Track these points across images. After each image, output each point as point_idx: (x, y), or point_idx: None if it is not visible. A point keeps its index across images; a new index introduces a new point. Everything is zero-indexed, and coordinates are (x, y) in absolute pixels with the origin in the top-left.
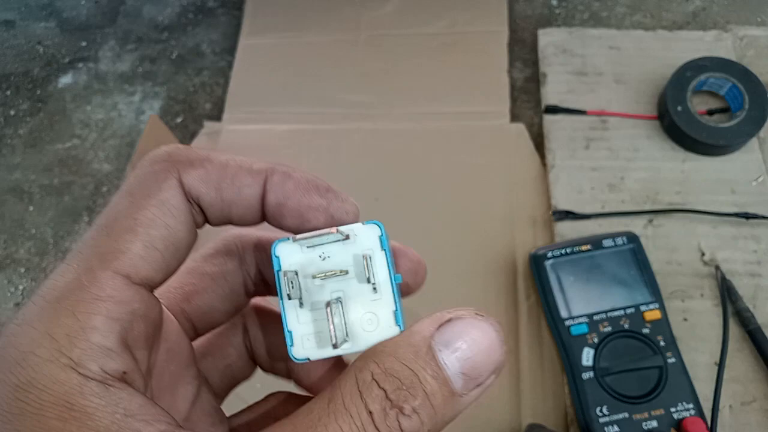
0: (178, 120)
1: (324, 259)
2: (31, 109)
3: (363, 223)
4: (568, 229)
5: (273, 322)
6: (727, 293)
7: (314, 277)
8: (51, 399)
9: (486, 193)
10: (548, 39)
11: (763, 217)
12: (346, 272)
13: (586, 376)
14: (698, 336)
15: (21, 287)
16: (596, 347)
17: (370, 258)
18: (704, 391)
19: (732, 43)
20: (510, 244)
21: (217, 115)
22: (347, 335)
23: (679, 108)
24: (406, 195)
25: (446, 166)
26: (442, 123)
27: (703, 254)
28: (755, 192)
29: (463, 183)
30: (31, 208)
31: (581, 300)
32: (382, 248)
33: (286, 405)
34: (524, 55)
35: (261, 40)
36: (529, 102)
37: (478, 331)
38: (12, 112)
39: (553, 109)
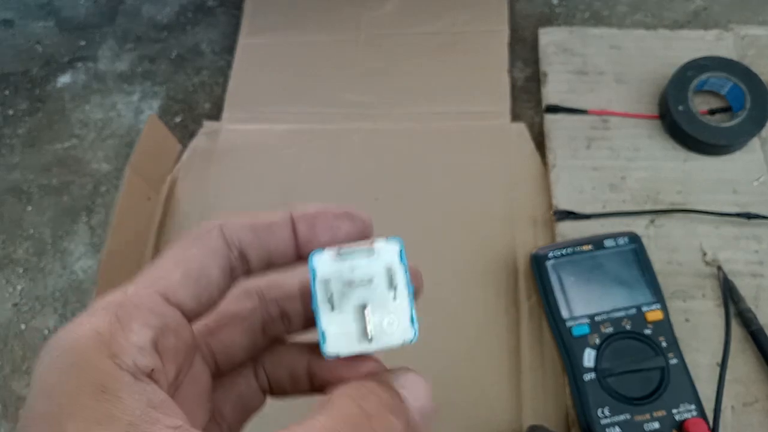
0: (177, 119)
1: (353, 270)
2: (29, 108)
3: (386, 240)
4: (569, 229)
5: (289, 352)
6: (729, 294)
7: (345, 283)
8: (89, 381)
9: (486, 193)
10: (549, 38)
11: (765, 217)
12: (371, 281)
13: (587, 377)
14: (700, 337)
15: (19, 287)
16: (598, 348)
17: (392, 270)
18: (706, 392)
19: (733, 42)
20: (511, 244)
21: (216, 115)
22: (372, 336)
23: (681, 107)
24: (405, 195)
25: (446, 166)
26: (442, 123)
27: (704, 254)
28: (757, 192)
29: (464, 183)
30: (29, 208)
31: (582, 300)
32: (401, 262)
33: None
34: (525, 54)
35: (260, 39)
36: (529, 101)
37: (420, 379)
38: (10, 112)
39: (554, 109)
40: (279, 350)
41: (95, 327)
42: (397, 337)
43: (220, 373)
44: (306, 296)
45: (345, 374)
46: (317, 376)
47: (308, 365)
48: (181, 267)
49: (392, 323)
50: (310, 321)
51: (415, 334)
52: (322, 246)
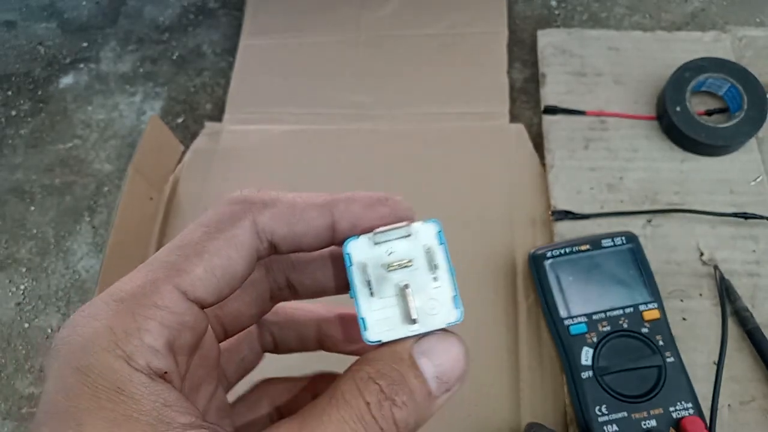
0: (179, 120)
1: (389, 253)
2: (32, 109)
3: (422, 222)
4: (567, 229)
5: (298, 315)
6: (725, 293)
7: (383, 267)
8: (105, 383)
9: (485, 194)
10: (547, 40)
11: (762, 217)
12: (411, 264)
13: (585, 375)
14: (697, 335)
15: (22, 287)
16: (595, 347)
17: (430, 249)
18: (703, 391)
19: (731, 43)
20: (509, 244)
21: (217, 116)
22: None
23: (678, 108)
24: (405, 195)
25: (446, 167)
26: (441, 123)
27: (701, 254)
28: (754, 192)
29: (462, 183)
30: (32, 208)
31: (580, 300)
32: (441, 243)
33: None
34: (523, 55)
35: (262, 40)
36: (528, 102)
37: (448, 343)
38: (13, 113)
39: (553, 110)
40: (288, 314)
41: (109, 324)
42: (440, 319)
43: (226, 338)
44: (314, 266)
45: (353, 342)
46: (329, 338)
47: (318, 328)
48: (204, 261)
49: (435, 305)
50: (317, 292)
51: (460, 314)
52: (358, 232)
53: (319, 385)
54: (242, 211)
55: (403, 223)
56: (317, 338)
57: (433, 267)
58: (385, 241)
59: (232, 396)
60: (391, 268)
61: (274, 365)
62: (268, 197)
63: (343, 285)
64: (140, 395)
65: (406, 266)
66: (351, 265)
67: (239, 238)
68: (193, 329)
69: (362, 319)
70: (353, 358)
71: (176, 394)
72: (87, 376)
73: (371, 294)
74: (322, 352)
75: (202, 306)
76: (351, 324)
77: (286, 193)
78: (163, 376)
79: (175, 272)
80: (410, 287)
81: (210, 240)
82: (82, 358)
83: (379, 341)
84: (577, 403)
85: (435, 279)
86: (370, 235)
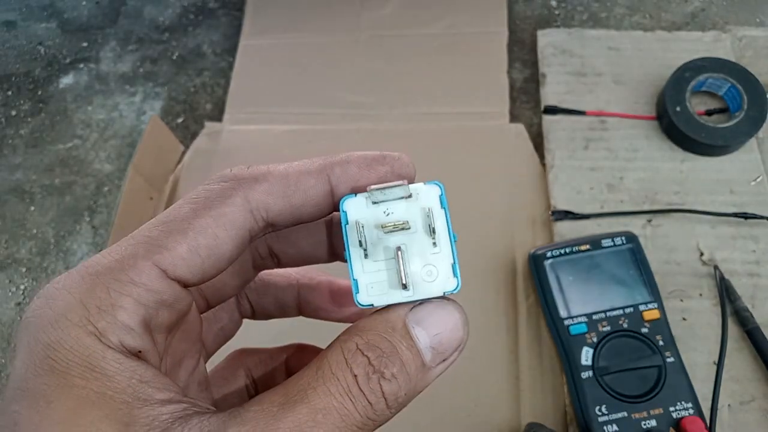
0: (179, 120)
1: (387, 214)
2: (32, 109)
3: (424, 183)
4: (567, 229)
5: (277, 283)
6: (725, 293)
7: (379, 228)
8: (75, 359)
9: (485, 193)
10: (547, 40)
11: (762, 217)
12: (409, 227)
13: (585, 375)
14: (697, 335)
15: (22, 287)
16: (595, 347)
17: (431, 211)
18: (703, 391)
19: (731, 43)
20: (509, 244)
21: (217, 116)
22: (408, 285)
23: (678, 108)
24: None
25: (446, 167)
26: (441, 123)
27: (701, 254)
28: (754, 192)
29: (463, 183)
30: (32, 208)
31: (580, 300)
32: (442, 206)
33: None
34: (523, 55)
35: (261, 40)
36: (528, 102)
37: (445, 312)
38: (13, 113)
39: (553, 110)
40: (266, 281)
41: (82, 298)
42: (437, 287)
43: (208, 309)
44: (297, 234)
45: (341, 305)
46: (309, 304)
47: (298, 294)
48: (188, 239)
49: (432, 271)
50: (301, 261)
51: (458, 284)
52: (356, 192)
53: (295, 357)
54: (232, 188)
55: (400, 182)
56: (296, 304)
57: (432, 231)
58: (384, 201)
59: (208, 367)
60: (388, 230)
61: (250, 335)
62: (259, 171)
63: (327, 254)
64: (114, 371)
65: (403, 228)
66: (347, 224)
67: (228, 216)
68: (172, 308)
69: (354, 281)
70: (333, 325)
71: (152, 370)
72: (57, 352)
73: (365, 255)
74: (300, 319)
75: (185, 285)
76: (335, 291)
77: (277, 164)
78: (137, 355)
79: (156, 248)
80: (404, 250)
81: (196, 217)
82: (52, 332)
83: (371, 305)
84: (577, 403)
85: (434, 244)
86: (367, 194)
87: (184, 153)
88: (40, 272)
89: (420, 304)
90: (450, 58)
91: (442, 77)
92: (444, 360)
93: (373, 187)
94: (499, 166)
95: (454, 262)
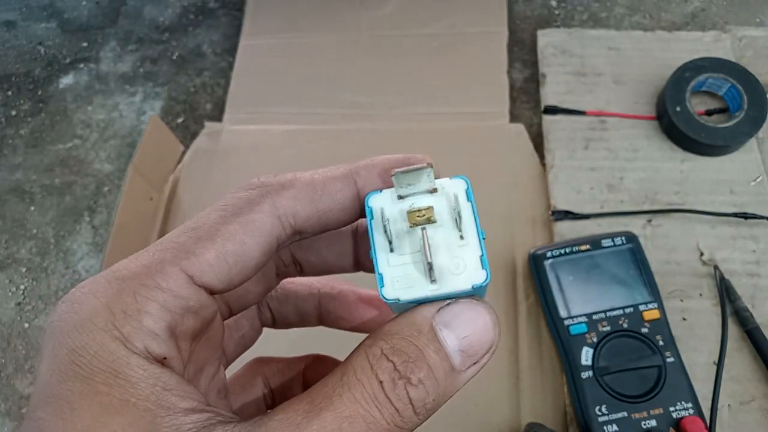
0: (179, 120)
1: (413, 208)
2: (32, 109)
3: (450, 178)
4: (567, 229)
5: (298, 291)
6: (725, 293)
7: (405, 220)
8: (100, 365)
9: (485, 193)
10: (547, 40)
11: (762, 217)
12: (435, 220)
13: (585, 375)
14: (697, 335)
15: (22, 287)
16: (595, 347)
17: (458, 203)
18: (703, 391)
19: (731, 43)
20: (509, 243)
21: (217, 116)
22: (435, 277)
23: (678, 108)
24: None
25: (446, 167)
26: (441, 123)
27: (701, 254)
28: (754, 192)
29: None
30: (32, 208)
31: (580, 300)
32: (468, 200)
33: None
34: (523, 55)
35: (261, 40)
36: (528, 102)
37: (474, 313)
38: (13, 113)
39: (553, 110)
40: (287, 290)
41: (108, 303)
42: (464, 280)
43: (230, 316)
44: (320, 243)
45: (363, 315)
46: (330, 314)
47: (319, 304)
48: (216, 245)
49: (459, 264)
50: (323, 270)
51: (487, 276)
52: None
53: (312, 367)
54: (260, 195)
55: (423, 165)
56: (317, 314)
57: (459, 225)
58: (409, 195)
59: (226, 374)
60: (414, 220)
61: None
62: (285, 179)
63: (351, 264)
64: (137, 379)
65: (429, 220)
66: (372, 219)
67: (256, 223)
68: (198, 315)
69: (380, 275)
70: (352, 336)
71: (176, 377)
72: (82, 357)
73: (391, 249)
74: (318, 329)
75: (211, 292)
76: (357, 300)
77: (303, 172)
78: (161, 362)
79: (183, 254)
80: (430, 243)
81: (225, 224)
82: (77, 337)
83: (397, 300)
84: (577, 403)
85: (461, 237)
86: (394, 180)
87: (184, 153)
88: (40, 272)
89: (447, 305)
90: (450, 58)
91: (442, 77)
92: (475, 363)
93: (397, 170)
94: (499, 166)
95: (483, 254)
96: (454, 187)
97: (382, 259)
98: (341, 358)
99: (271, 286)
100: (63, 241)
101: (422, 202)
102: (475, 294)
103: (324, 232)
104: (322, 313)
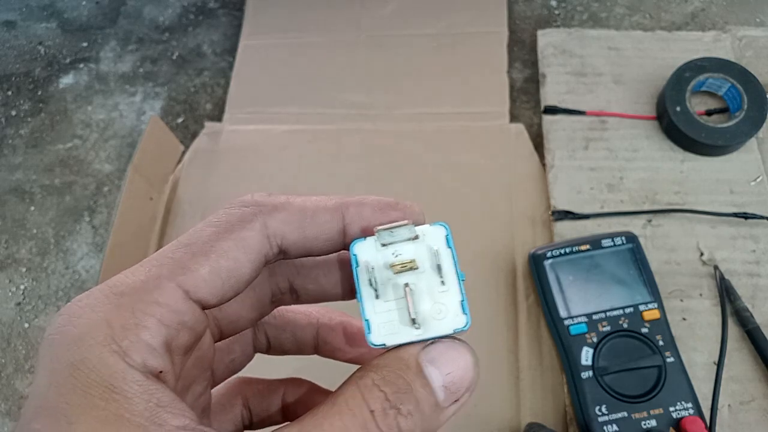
0: (179, 120)
1: (396, 256)
2: (32, 109)
3: (430, 225)
4: (567, 229)
5: (296, 319)
6: (725, 293)
7: (389, 269)
8: (98, 379)
9: (485, 193)
10: (547, 40)
11: (762, 217)
12: (417, 267)
13: (585, 375)
14: (697, 335)
15: (22, 287)
16: (595, 347)
17: (437, 252)
18: (703, 391)
19: (731, 43)
20: (509, 244)
21: (217, 116)
22: (419, 323)
23: (678, 108)
24: (405, 195)
25: (446, 166)
26: (441, 123)
27: (701, 254)
28: (754, 192)
29: (463, 183)
30: (32, 208)
31: (580, 300)
32: (448, 246)
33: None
34: (523, 55)
35: (261, 40)
36: (528, 102)
37: (456, 352)
38: (13, 113)
39: (553, 110)
40: (286, 318)
41: (107, 317)
42: (447, 325)
43: (221, 339)
44: (318, 270)
45: (360, 347)
46: (327, 344)
47: (317, 334)
48: (210, 261)
49: (441, 310)
50: (320, 297)
51: (467, 321)
52: (366, 235)
53: (291, 391)
54: (252, 213)
55: (404, 222)
56: (314, 343)
57: (440, 271)
58: (392, 243)
59: None
60: (397, 271)
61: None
62: (278, 201)
63: (346, 291)
64: (133, 394)
65: (412, 269)
66: (357, 266)
67: (248, 240)
68: (192, 330)
69: (366, 321)
70: (344, 366)
71: (171, 394)
72: (80, 371)
73: (376, 296)
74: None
75: (204, 307)
76: (353, 332)
77: (296, 196)
78: (158, 376)
79: (179, 270)
80: (412, 288)
81: (218, 240)
82: (75, 351)
83: (383, 345)
84: (577, 403)
85: (442, 283)
86: (376, 236)
87: (184, 153)
88: (40, 272)
89: (432, 343)
90: (450, 58)
91: (442, 77)
92: (456, 401)
93: (379, 227)
94: (499, 166)
95: (463, 299)
96: (434, 233)
97: (369, 305)
98: (321, 383)
99: (265, 313)
100: (63, 241)
101: (404, 250)
102: (455, 334)
103: (306, 256)
104: (318, 343)
